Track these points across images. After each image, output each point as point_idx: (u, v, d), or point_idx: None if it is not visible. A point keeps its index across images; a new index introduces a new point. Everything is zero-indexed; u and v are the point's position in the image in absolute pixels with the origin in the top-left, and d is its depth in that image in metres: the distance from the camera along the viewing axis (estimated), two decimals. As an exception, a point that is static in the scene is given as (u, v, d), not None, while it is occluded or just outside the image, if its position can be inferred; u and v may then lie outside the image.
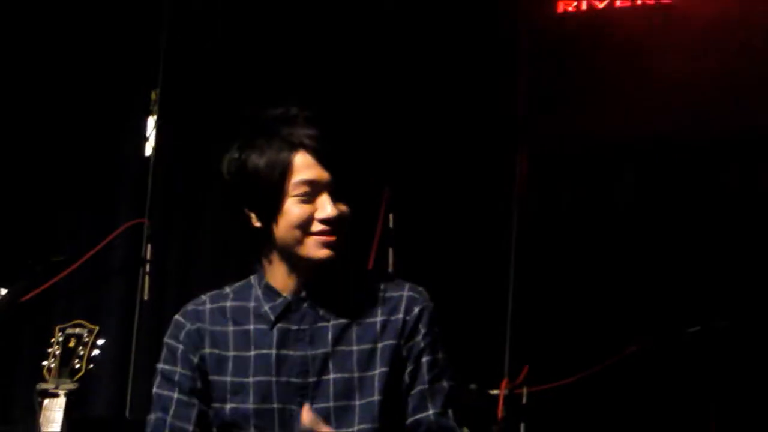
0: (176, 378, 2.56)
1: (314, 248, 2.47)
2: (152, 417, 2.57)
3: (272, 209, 2.49)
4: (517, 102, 5.18)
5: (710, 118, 4.92)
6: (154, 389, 2.60)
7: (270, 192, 2.49)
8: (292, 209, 2.48)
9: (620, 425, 4.88)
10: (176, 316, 2.64)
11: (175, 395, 2.56)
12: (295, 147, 2.49)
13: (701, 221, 4.95)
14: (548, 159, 5.19)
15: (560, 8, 5.29)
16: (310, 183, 2.48)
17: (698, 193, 4.99)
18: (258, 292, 2.57)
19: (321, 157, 2.48)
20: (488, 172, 5.19)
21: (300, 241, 2.48)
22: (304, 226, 2.47)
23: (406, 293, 2.57)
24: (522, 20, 5.27)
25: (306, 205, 2.48)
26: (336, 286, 2.55)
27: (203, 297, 2.65)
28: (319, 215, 2.47)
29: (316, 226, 2.47)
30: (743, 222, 4.92)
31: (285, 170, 2.48)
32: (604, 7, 5.24)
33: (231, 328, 2.58)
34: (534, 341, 4.96)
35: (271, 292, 2.55)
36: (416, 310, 2.54)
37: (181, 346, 2.58)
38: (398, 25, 5.22)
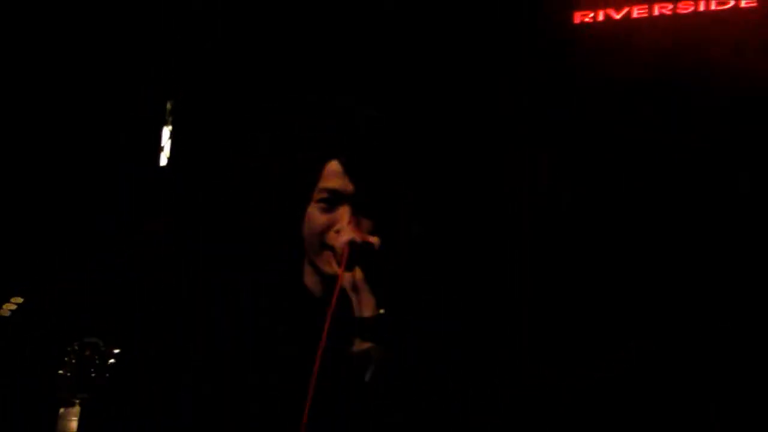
0: None
1: (327, 264, 2.43)
2: None
3: (299, 212, 2.48)
4: (532, 112, 5.17)
5: (722, 125, 4.90)
6: None
7: (298, 193, 2.48)
8: (313, 215, 2.45)
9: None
10: None
11: None
12: (330, 154, 2.48)
13: (714, 222, 4.93)
14: (565, 167, 5.18)
15: (577, 19, 5.29)
16: (332, 192, 2.45)
17: (709, 196, 4.97)
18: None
19: (350, 169, 2.46)
20: (503, 178, 5.18)
21: (317, 253, 2.44)
22: (322, 236, 2.42)
23: None
24: (539, 31, 5.27)
25: (325, 214, 2.44)
26: None
27: None
28: (336, 227, 2.42)
29: (333, 239, 2.42)
30: (752, 220, 4.91)
31: (314, 174, 2.46)
32: (621, 18, 5.23)
33: None
34: (549, 341, 4.95)
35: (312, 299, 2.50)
36: None
37: None
38: (414, 32, 5.21)
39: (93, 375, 3.16)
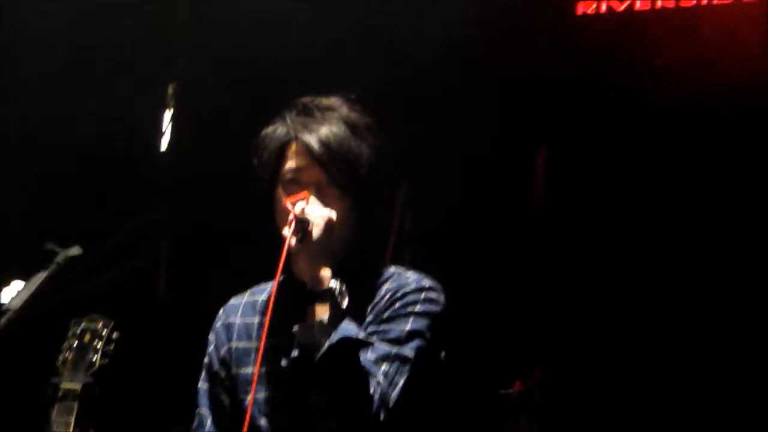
0: (213, 370, 2.62)
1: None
2: (197, 411, 2.63)
3: (270, 193, 2.51)
4: (536, 103, 5.15)
5: (734, 118, 4.89)
6: (199, 383, 2.65)
7: (268, 176, 2.53)
8: (279, 201, 2.49)
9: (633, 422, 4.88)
10: (221, 308, 2.69)
11: (210, 387, 2.61)
12: (292, 135, 2.52)
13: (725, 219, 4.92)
14: (566, 159, 5.17)
15: (579, 10, 5.27)
16: (294, 171, 2.48)
17: (717, 193, 4.96)
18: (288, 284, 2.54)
19: (310, 149, 2.48)
20: (506, 172, 5.17)
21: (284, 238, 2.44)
22: (285, 219, 2.44)
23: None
24: (541, 21, 5.26)
25: (289, 194, 2.47)
26: (360, 281, 2.50)
27: (248, 290, 2.70)
28: (294, 200, 2.44)
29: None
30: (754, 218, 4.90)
31: (279, 155, 2.51)
32: (624, 10, 5.22)
33: (257, 320, 2.59)
34: (551, 340, 4.95)
35: (295, 283, 2.50)
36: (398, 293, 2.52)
37: (213, 342, 2.65)
38: (415, 23, 5.20)
39: (93, 360, 3.17)
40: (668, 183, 4.99)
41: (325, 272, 2.39)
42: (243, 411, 2.48)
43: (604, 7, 5.24)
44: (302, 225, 2.38)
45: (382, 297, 2.51)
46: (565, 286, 5.02)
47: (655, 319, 4.87)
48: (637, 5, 5.19)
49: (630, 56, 5.05)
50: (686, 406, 4.76)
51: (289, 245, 2.38)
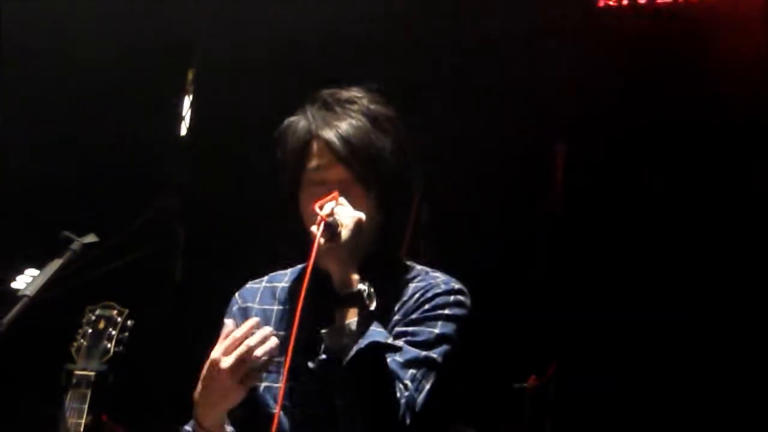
0: None
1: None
2: None
3: (295, 192, 2.47)
4: (556, 95, 5.14)
5: (752, 114, 4.87)
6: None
7: (292, 173, 2.47)
8: (304, 200, 2.45)
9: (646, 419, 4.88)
10: (235, 293, 2.65)
11: None
12: (313, 131, 2.45)
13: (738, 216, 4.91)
14: (586, 153, 5.16)
15: (601, 2, 5.26)
16: (318, 170, 2.43)
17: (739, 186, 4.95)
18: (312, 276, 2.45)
19: (331, 146, 2.42)
20: (525, 165, 5.17)
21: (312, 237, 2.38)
22: (313, 219, 2.37)
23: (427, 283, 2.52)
24: (562, 14, 5.24)
25: (315, 195, 2.41)
26: (385, 278, 2.46)
27: (265, 276, 2.66)
28: (321, 201, 2.37)
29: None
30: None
31: (302, 153, 2.45)
32: (645, 3, 5.20)
33: (276, 308, 2.58)
34: (565, 334, 4.95)
35: (318, 275, 2.42)
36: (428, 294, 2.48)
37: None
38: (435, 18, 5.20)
39: (107, 347, 3.17)
40: (689, 177, 4.99)
41: (354, 275, 2.36)
42: (253, 396, 2.46)
43: (625, 0, 5.23)
44: (331, 228, 2.34)
45: (411, 296, 2.48)
46: (581, 280, 5.02)
47: (671, 314, 4.86)
48: (659, -1, 5.19)
49: (651, 49, 5.04)
50: (700, 405, 4.76)
51: (318, 246, 2.34)
